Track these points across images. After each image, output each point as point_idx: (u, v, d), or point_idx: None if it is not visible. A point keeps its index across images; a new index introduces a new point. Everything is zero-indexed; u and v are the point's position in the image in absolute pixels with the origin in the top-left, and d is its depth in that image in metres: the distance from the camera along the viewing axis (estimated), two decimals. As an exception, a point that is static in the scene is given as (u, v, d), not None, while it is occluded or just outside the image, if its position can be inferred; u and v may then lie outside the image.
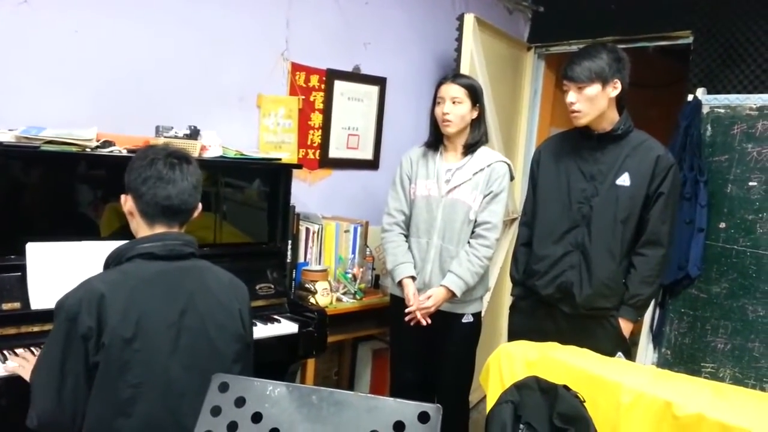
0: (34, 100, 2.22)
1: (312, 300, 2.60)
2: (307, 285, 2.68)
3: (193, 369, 1.46)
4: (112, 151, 2.10)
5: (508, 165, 2.44)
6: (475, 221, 2.38)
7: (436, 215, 2.41)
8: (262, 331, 2.26)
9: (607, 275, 2.09)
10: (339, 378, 3.29)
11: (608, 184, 2.10)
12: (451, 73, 2.53)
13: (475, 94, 2.38)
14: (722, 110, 2.76)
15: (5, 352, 1.79)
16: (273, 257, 2.58)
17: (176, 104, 2.56)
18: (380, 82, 3.28)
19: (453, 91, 2.36)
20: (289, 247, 2.67)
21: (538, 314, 2.24)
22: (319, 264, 2.85)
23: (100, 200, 2.14)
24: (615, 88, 2.06)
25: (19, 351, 1.80)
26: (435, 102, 2.43)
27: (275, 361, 2.35)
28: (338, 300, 2.78)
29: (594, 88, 2.04)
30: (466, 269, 2.34)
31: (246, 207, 2.59)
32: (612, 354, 2.06)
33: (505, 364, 1.83)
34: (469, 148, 2.42)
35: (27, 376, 1.54)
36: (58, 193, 2.08)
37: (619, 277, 2.12)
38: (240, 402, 1.28)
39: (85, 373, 1.39)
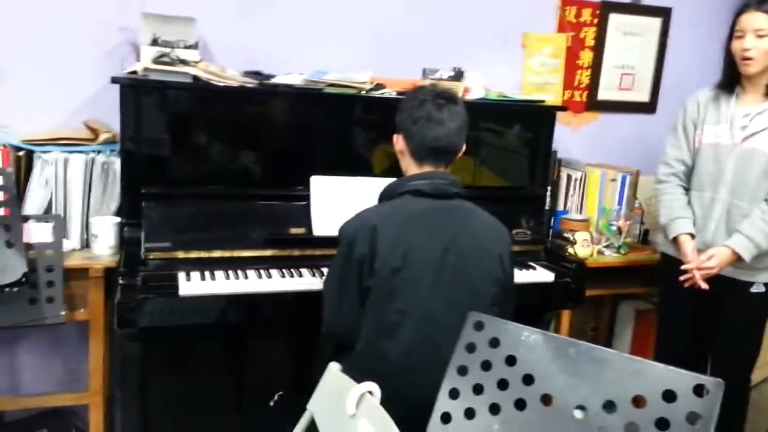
0: (317, 47, 2.45)
1: (570, 250, 2.49)
2: (565, 234, 2.57)
3: (451, 305, 1.51)
4: (383, 94, 2.21)
5: (827, 109, 1.98)
6: (776, 175, 2.02)
7: (726, 167, 2.09)
8: (516, 276, 2.23)
9: None
10: (596, 335, 3.15)
11: None
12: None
13: None
14: None
15: (291, 270, 2.04)
16: (530, 203, 2.51)
17: (442, 46, 2.60)
18: (664, 13, 2.93)
19: (758, 21, 1.99)
20: (548, 193, 2.60)
21: None
22: (580, 213, 2.72)
23: (373, 140, 2.28)
24: None
25: (303, 270, 2.04)
26: (732, 35, 2.07)
27: (528, 308, 2.31)
28: (599, 253, 2.62)
29: None
30: (759, 230, 2.01)
31: (505, 150, 2.54)
32: None
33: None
34: (774, 90, 2.03)
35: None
36: (338, 131, 2.27)
37: None
38: (494, 342, 1.28)
39: (358, 293, 1.55)
